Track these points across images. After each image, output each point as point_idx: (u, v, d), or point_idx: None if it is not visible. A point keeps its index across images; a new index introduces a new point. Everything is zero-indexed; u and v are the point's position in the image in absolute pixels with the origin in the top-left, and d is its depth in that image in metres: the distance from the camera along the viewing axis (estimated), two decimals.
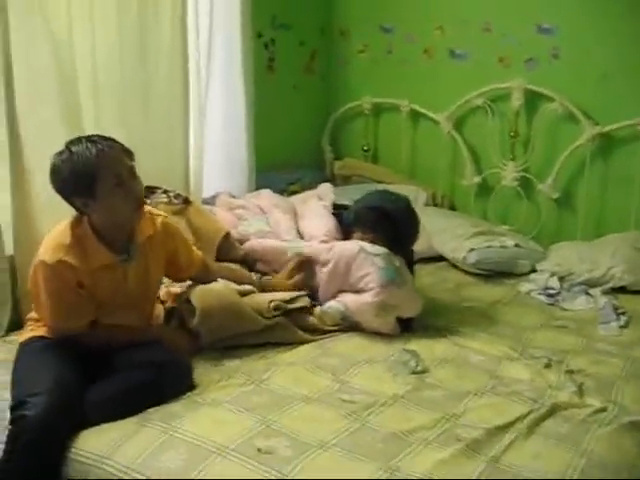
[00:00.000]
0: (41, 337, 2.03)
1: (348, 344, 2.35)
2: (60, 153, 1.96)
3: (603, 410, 1.97)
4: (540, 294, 2.85)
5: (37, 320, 2.08)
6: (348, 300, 2.45)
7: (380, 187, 3.18)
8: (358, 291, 2.46)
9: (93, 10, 2.55)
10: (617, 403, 2.01)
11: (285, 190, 3.47)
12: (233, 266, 2.62)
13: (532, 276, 2.98)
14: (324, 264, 2.52)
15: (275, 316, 2.34)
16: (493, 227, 3.30)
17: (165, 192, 2.74)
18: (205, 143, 3.05)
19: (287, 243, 2.65)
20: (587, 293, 2.83)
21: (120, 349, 2.02)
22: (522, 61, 3.33)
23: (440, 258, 3.22)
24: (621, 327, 2.56)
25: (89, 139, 1.97)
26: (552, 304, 2.79)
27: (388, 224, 2.58)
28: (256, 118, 3.29)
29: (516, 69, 3.34)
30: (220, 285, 2.33)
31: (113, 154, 1.96)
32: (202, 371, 2.13)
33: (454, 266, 3.16)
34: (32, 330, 2.07)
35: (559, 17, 3.21)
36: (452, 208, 3.63)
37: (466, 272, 3.10)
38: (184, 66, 2.85)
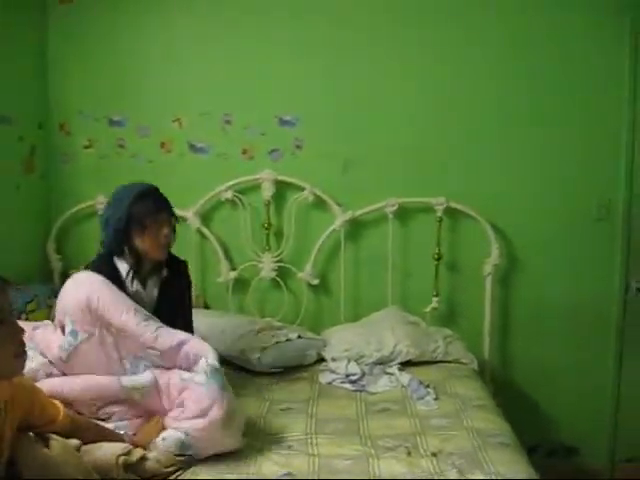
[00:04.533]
0: None
1: None
2: None
3: None
4: (343, 382, 2.81)
5: None
6: (187, 426, 2.08)
7: None
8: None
9: None
10: (497, 474, 2.04)
11: (24, 311, 2.88)
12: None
13: (332, 365, 2.92)
14: None
15: None
16: (270, 322, 3.17)
17: None
18: None
19: (116, 377, 2.17)
20: (386, 372, 2.88)
21: None
22: (266, 152, 3.34)
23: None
24: (435, 399, 2.64)
25: None
26: (359, 390, 2.76)
27: None
28: None
29: (261, 160, 3.34)
30: (58, 448, 1.77)
31: None
32: None
33: (240, 368, 2.94)
34: None
35: (298, 109, 3.31)
36: (206, 307, 3.41)
37: (255, 372, 2.91)
38: None
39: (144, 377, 2.18)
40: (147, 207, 2.39)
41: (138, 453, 1.99)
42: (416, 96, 3.28)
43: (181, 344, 2.22)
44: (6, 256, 2.99)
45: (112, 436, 2.04)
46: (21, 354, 1.64)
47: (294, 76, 3.30)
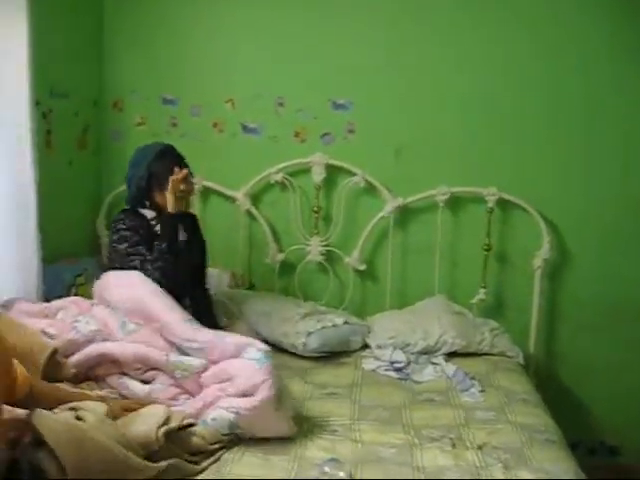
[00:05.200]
0: None
1: (248, 466, 1.98)
2: None
3: None
4: (387, 370, 2.80)
5: None
6: (237, 405, 2.08)
7: None
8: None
9: None
10: (542, 470, 2.02)
11: (73, 284, 2.94)
12: (65, 386, 2.11)
13: (376, 352, 2.92)
14: None
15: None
16: (315, 306, 3.18)
17: None
18: None
19: (166, 356, 2.23)
20: (432, 362, 2.86)
21: None
22: (318, 136, 3.32)
23: None
24: (480, 392, 2.62)
25: None
26: (403, 379, 2.75)
27: None
28: None
29: (312, 144, 3.32)
30: (91, 420, 1.77)
31: None
32: None
33: (282, 350, 2.95)
34: None
35: (353, 93, 3.28)
36: (252, 286, 3.43)
37: (298, 356, 2.93)
38: None
39: (193, 360, 2.22)
40: (165, 165, 2.60)
41: (178, 418, 2.00)
42: (471, 84, 3.21)
43: (224, 336, 2.28)
44: (57, 230, 3.01)
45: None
46: None
47: (349, 59, 3.26)
